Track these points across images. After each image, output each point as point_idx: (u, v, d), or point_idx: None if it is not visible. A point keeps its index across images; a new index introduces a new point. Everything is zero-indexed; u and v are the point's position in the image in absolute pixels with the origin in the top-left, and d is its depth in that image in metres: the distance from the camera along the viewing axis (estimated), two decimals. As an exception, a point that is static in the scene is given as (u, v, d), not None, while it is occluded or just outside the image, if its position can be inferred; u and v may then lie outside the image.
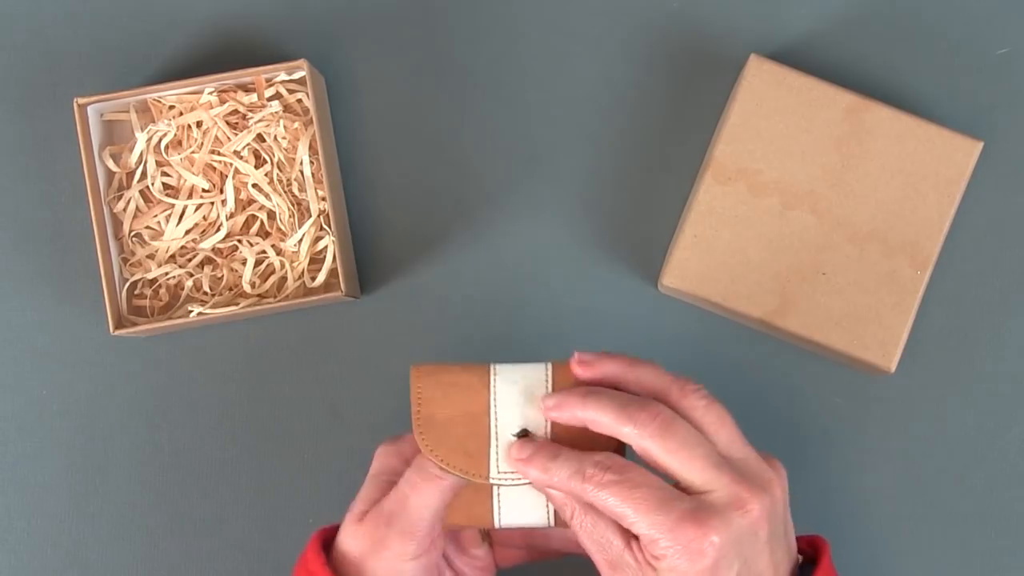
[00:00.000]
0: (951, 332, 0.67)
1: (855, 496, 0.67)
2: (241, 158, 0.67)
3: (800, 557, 0.54)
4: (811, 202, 0.64)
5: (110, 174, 0.68)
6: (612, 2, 0.69)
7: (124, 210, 0.67)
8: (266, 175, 0.67)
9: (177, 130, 0.67)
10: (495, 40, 0.69)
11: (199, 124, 0.67)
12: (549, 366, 0.53)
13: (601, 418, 0.50)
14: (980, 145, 0.64)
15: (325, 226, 0.67)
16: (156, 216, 0.67)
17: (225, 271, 0.67)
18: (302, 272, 0.67)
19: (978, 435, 0.67)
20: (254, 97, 0.67)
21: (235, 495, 0.68)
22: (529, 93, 0.69)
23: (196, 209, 0.67)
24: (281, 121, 0.67)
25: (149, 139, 0.67)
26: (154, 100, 0.67)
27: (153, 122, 0.67)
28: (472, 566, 0.58)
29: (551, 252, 0.68)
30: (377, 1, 0.70)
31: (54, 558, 0.68)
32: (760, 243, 0.64)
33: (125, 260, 0.67)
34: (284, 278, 0.67)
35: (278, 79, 0.67)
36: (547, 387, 0.52)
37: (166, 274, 0.67)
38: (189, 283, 0.67)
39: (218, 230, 0.67)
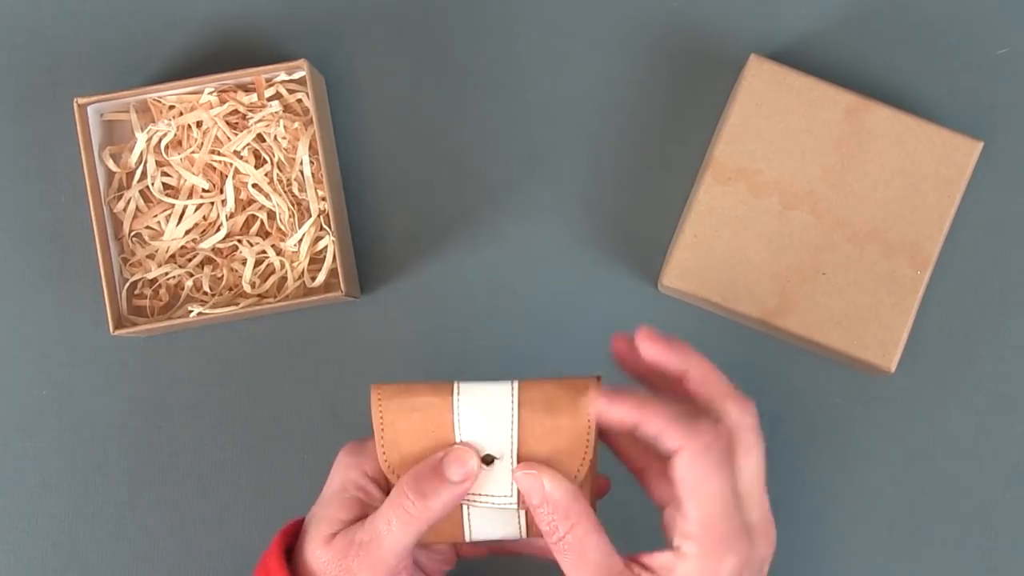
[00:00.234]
0: (951, 332, 0.67)
1: (855, 496, 0.67)
2: (241, 158, 0.67)
3: None
4: (811, 202, 0.64)
5: (110, 174, 0.68)
6: (612, 2, 0.69)
7: (124, 210, 0.67)
8: (266, 175, 0.67)
9: (177, 130, 0.67)
10: (495, 40, 0.69)
11: (199, 124, 0.67)
12: (515, 385, 0.51)
13: (652, 425, 0.49)
14: (980, 145, 0.64)
15: (325, 226, 0.67)
16: (156, 216, 0.67)
17: (225, 271, 0.67)
18: (302, 272, 0.67)
19: (978, 435, 0.67)
20: (254, 97, 0.67)
21: (235, 495, 0.68)
22: (529, 93, 0.69)
23: (196, 209, 0.67)
24: (281, 121, 0.67)
25: (149, 139, 0.67)
26: (154, 100, 0.67)
27: (153, 122, 0.67)
28: (432, 558, 0.58)
29: (551, 252, 0.68)
30: (377, 1, 0.70)
31: (54, 558, 0.68)
32: (760, 243, 0.64)
33: (125, 260, 0.67)
34: (284, 278, 0.67)
35: (278, 79, 0.67)
36: (512, 408, 0.50)
37: (166, 274, 0.67)
38: (189, 283, 0.67)
39: (218, 230, 0.67)
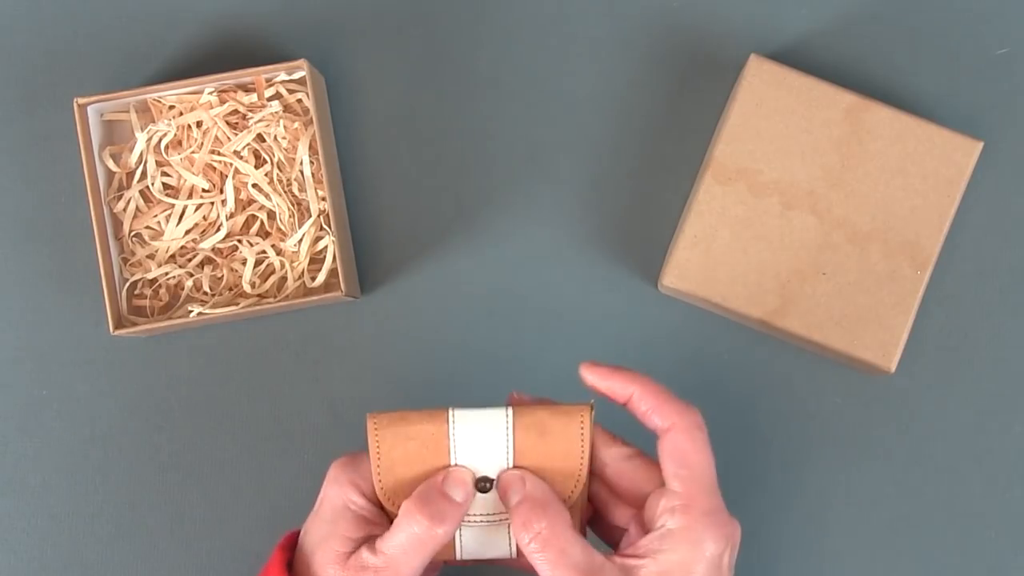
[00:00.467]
0: (951, 332, 0.67)
1: (855, 496, 0.67)
2: (241, 158, 0.67)
3: None
4: (811, 202, 0.64)
5: (110, 174, 0.68)
6: (612, 2, 0.69)
7: (124, 210, 0.67)
8: (266, 175, 0.67)
9: (177, 130, 0.67)
10: (495, 40, 0.69)
11: (199, 124, 0.67)
12: (509, 412, 0.52)
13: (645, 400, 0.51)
14: (980, 145, 0.64)
15: (325, 226, 0.67)
16: (156, 216, 0.67)
17: (225, 271, 0.67)
18: (302, 272, 0.67)
19: (978, 435, 0.67)
20: (254, 97, 0.67)
21: (235, 495, 0.68)
22: (529, 93, 0.69)
23: (196, 209, 0.67)
24: (281, 121, 0.67)
25: (149, 139, 0.67)
26: (154, 100, 0.67)
27: (153, 122, 0.67)
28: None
29: (551, 252, 0.68)
30: (377, 1, 0.70)
31: (54, 558, 0.68)
32: (760, 243, 0.64)
33: (125, 260, 0.67)
34: (284, 278, 0.67)
35: (278, 79, 0.67)
36: (507, 435, 0.51)
37: (166, 274, 0.67)
38: (189, 283, 0.67)
39: (218, 230, 0.67)
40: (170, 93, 0.67)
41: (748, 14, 0.69)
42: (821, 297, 0.64)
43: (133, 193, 0.67)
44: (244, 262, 0.67)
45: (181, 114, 0.67)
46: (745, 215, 0.64)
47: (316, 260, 0.67)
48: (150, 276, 0.67)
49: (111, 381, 0.69)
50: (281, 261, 0.67)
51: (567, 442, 0.51)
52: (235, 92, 0.67)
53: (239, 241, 0.67)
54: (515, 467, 0.52)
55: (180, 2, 0.70)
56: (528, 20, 0.69)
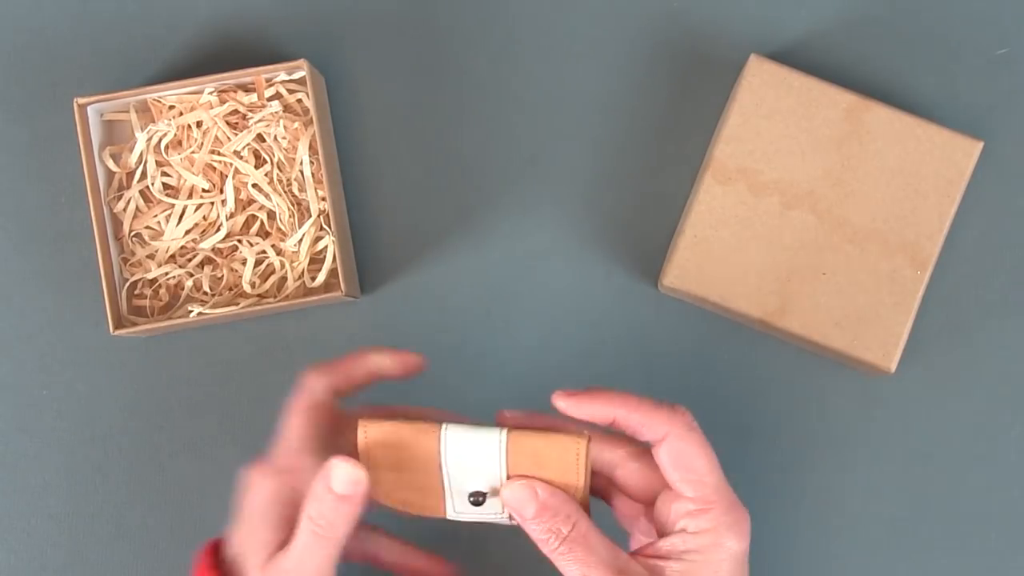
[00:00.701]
0: (951, 332, 0.67)
1: (855, 496, 0.67)
2: (241, 158, 0.67)
3: None
4: (811, 202, 0.64)
5: (110, 174, 0.68)
6: (612, 2, 0.69)
7: (124, 210, 0.67)
8: (266, 175, 0.67)
9: (177, 130, 0.67)
10: (495, 41, 0.69)
11: (199, 124, 0.67)
12: (503, 437, 0.50)
13: (630, 416, 0.50)
14: (980, 145, 0.64)
15: (325, 226, 0.67)
16: (156, 216, 0.67)
17: (225, 271, 0.67)
18: (302, 272, 0.67)
19: (978, 435, 0.67)
20: (254, 97, 0.67)
21: (235, 495, 0.68)
22: (529, 93, 0.69)
23: (196, 209, 0.67)
24: (281, 121, 0.67)
25: (149, 139, 0.67)
26: (154, 100, 0.67)
27: (153, 122, 0.67)
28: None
29: (551, 252, 0.68)
30: (377, 1, 0.70)
31: (54, 558, 0.68)
32: (760, 243, 0.64)
33: (125, 260, 0.67)
34: (284, 278, 0.67)
35: (278, 79, 0.67)
36: (500, 454, 0.50)
37: (166, 274, 0.67)
38: (189, 283, 0.67)
39: (218, 230, 0.67)
40: (170, 93, 0.67)
41: (748, 14, 0.69)
42: (821, 297, 0.64)
43: (133, 193, 0.67)
44: (244, 262, 0.67)
45: (181, 114, 0.67)
46: (745, 215, 0.64)
47: (316, 260, 0.67)
48: (150, 276, 0.67)
49: (111, 381, 0.69)
50: (281, 261, 0.67)
51: (563, 473, 0.50)
52: (235, 92, 0.67)
53: (239, 241, 0.67)
54: (515, 476, 0.51)
55: (180, 2, 0.70)
56: (528, 20, 0.69)
